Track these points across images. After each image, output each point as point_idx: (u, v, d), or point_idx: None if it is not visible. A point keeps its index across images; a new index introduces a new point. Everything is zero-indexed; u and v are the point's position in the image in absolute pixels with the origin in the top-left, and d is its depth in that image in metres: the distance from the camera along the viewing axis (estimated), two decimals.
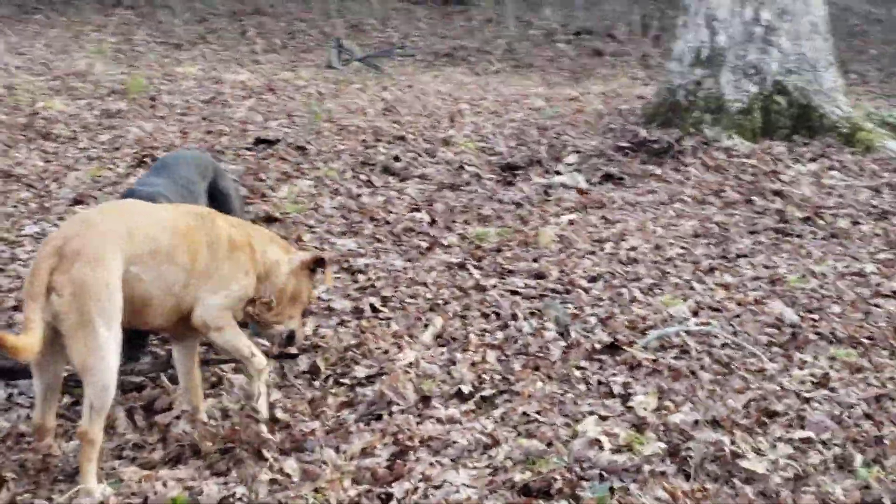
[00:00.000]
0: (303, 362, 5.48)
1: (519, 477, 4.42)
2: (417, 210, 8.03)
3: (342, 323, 5.99)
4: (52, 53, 14.14)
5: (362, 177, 8.81)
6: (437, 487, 4.36)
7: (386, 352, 5.65)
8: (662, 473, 4.53)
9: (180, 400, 4.90)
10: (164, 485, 4.20)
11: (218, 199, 5.76)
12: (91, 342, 4.13)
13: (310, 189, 8.37)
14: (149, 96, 11.64)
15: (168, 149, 9.37)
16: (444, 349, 5.74)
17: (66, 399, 4.93)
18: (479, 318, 6.14)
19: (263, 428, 4.68)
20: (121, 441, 4.63)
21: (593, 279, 6.77)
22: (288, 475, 4.38)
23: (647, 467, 4.55)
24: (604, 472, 4.47)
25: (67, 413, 4.86)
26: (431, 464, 4.56)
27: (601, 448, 4.75)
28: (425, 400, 5.12)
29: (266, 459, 4.49)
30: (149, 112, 10.97)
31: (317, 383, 5.33)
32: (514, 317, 6.13)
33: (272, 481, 4.31)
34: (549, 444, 4.76)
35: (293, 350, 5.39)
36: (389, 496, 4.24)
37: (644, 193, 8.64)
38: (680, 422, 5.00)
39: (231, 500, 4.13)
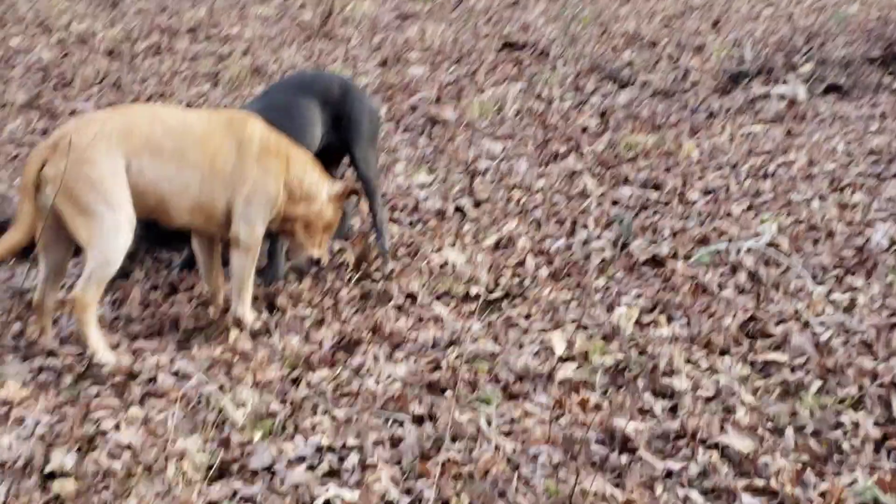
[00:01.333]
0: (349, 256, 5.87)
1: (437, 375, 4.65)
2: (599, 116, 8.10)
3: (419, 221, 6.33)
4: None
5: (579, 83, 8.94)
6: (360, 376, 4.68)
7: (439, 250, 5.93)
8: (585, 383, 4.60)
9: (202, 284, 5.47)
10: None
11: (343, 124, 5.70)
12: (95, 226, 4.53)
13: (513, 94, 8.64)
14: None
15: (431, 51, 9.92)
16: (496, 253, 5.94)
17: None
18: (553, 224, 6.26)
19: (241, 310, 5.13)
20: (119, 314, 5.30)
21: (707, 192, 6.62)
22: (237, 354, 4.86)
23: (562, 375, 4.63)
24: (512, 377, 4.63)
25: None
26: (376, 357, 4.86)
27: (549, 355, 4.86)
28: (412, 298, 5.40)
29: (227, 340, 4.99)
30: (447, 15, 11.56)
31: (345, 277, 5.71)
32: (586, 226, 6.20)
33: (216, 359, 4.79)
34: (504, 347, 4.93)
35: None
36: (299, 380, 4.62)
37: (862, 107, 8.12)
38: (656, 337, 4.99)
39: (165, 370, 4.68)
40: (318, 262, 5.35)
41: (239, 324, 5.07)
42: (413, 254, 5.91)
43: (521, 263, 5.78)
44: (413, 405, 4.38)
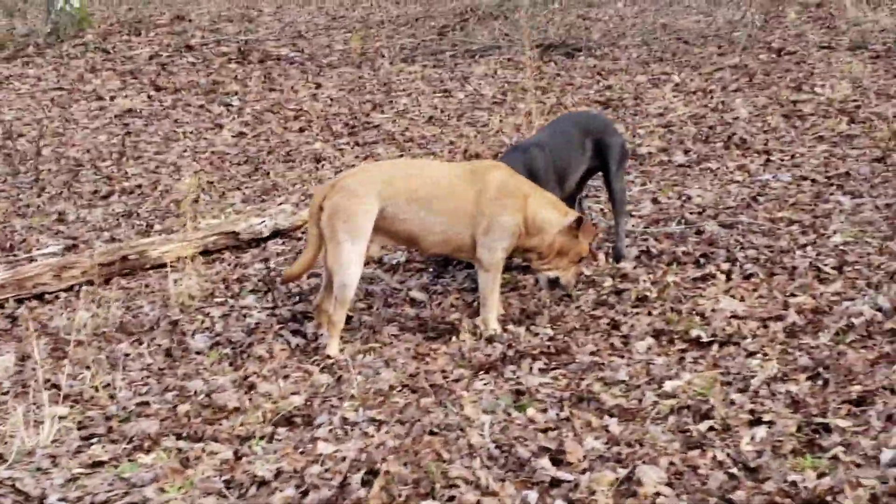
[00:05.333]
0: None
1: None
2: None
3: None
4: None
5: None
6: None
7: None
8: None
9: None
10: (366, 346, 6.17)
11: (600, 152, 6.94)
12: (336, 251, 5.80)
13: None
14: None
15: None
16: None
17: None
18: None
19: (484, 316, 6.16)
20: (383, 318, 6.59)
21: None
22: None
23: None
24: None
25: None
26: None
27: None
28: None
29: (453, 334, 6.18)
30: None
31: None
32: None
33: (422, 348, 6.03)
34: None
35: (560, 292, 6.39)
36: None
37: None
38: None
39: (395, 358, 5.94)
40: (556, 281, 6.33)
41: (475, 330, 6.15)
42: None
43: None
44: None
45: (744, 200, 7.85)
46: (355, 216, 5.91)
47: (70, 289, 7.40)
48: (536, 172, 6.71)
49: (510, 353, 5.84)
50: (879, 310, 5.76)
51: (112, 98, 13.02)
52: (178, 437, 5.22)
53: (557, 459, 4.65)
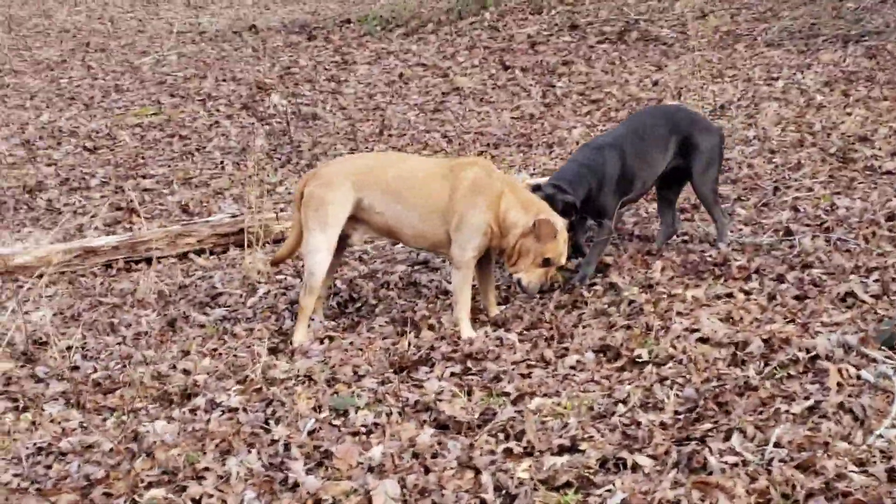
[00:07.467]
0: None
1: None
2: None
3: None
4: None
5: None
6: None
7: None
8: None
9: (479, 298, 6.10)
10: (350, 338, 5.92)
11: (686, 152, 6.46)
12: (307, 239, 5.85)
13: None
14: None
15: None
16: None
17: None
18: None
19: (458, 315, 5.79)
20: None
21: None
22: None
23: None
24: None
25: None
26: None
27: None
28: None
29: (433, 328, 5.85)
30: None
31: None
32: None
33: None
34: None
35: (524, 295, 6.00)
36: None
37: None
38: None
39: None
40: (520, 283, 5.83)
41: (456, 324, 5.82)
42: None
43: None
44: None
45: (880, 215, 6.55)
46: (326, 205, 5.84)
47: (184, 255, 7.59)
48: (604, 174, 6.28)
49: (435, 354, 5.44)
50: (842, 346, 4.66)
51: (453, 76, 12.65)
52: (67, 402, 5.30)
53: (322, 464, 4.41)
